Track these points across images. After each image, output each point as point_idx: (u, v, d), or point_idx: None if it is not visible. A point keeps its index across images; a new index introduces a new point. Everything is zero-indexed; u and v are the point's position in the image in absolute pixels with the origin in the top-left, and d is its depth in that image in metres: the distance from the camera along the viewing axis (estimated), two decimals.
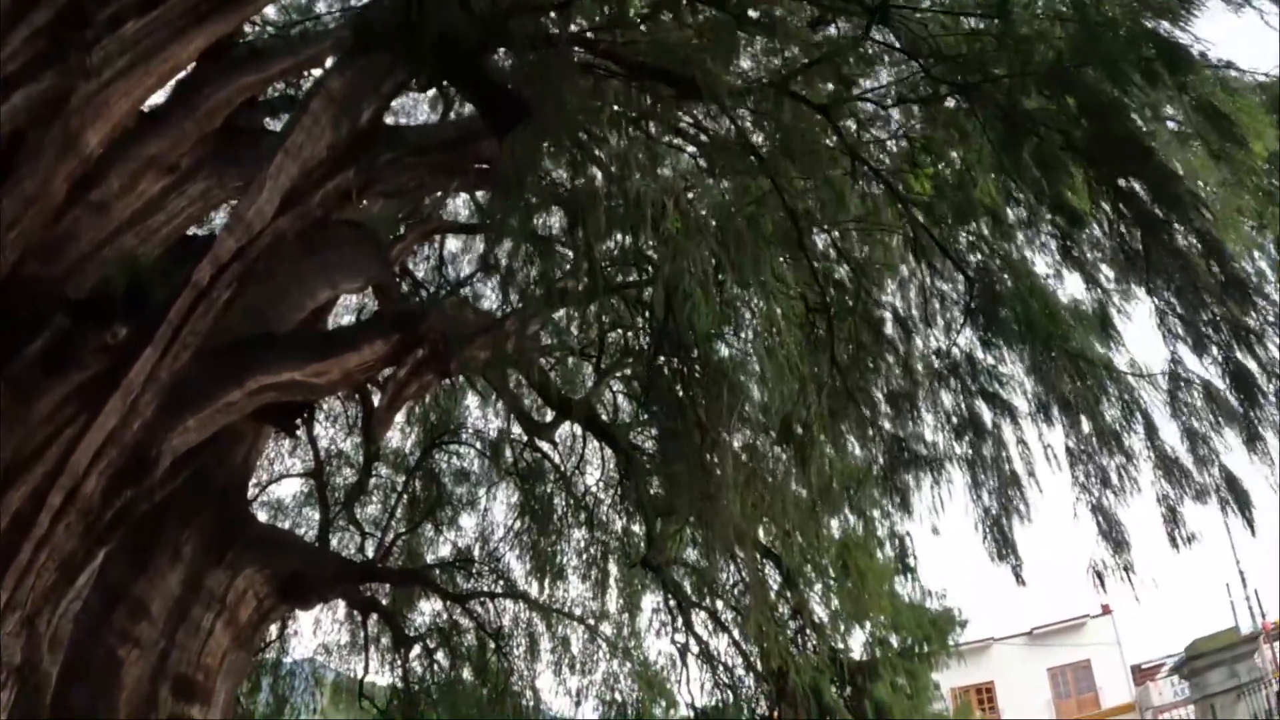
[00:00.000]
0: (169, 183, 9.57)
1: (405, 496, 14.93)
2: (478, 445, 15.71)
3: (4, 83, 7.67)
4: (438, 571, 14.14)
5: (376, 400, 10.49)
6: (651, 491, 11.66)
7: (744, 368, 8.77)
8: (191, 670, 9.66)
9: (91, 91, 8.59)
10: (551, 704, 14.47)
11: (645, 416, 12.34)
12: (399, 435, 16.29)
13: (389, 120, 11.94)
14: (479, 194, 13.94)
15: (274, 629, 15.09)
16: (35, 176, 8.09)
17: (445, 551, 15.23)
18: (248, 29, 13.33)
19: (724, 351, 9.07)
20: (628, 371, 13.04)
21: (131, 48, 8.92)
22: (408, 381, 9.86)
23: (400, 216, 13.18)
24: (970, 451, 11.21)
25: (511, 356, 10.41)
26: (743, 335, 7.88)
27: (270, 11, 14.35)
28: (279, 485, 16.39)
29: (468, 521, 15.25)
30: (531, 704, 13.82)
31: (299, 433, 15.07)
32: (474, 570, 14.43)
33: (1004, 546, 11.07)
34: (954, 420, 11.36)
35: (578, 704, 13.99)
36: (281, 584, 10.54)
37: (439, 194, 12.76)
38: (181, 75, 9.92)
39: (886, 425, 11.34)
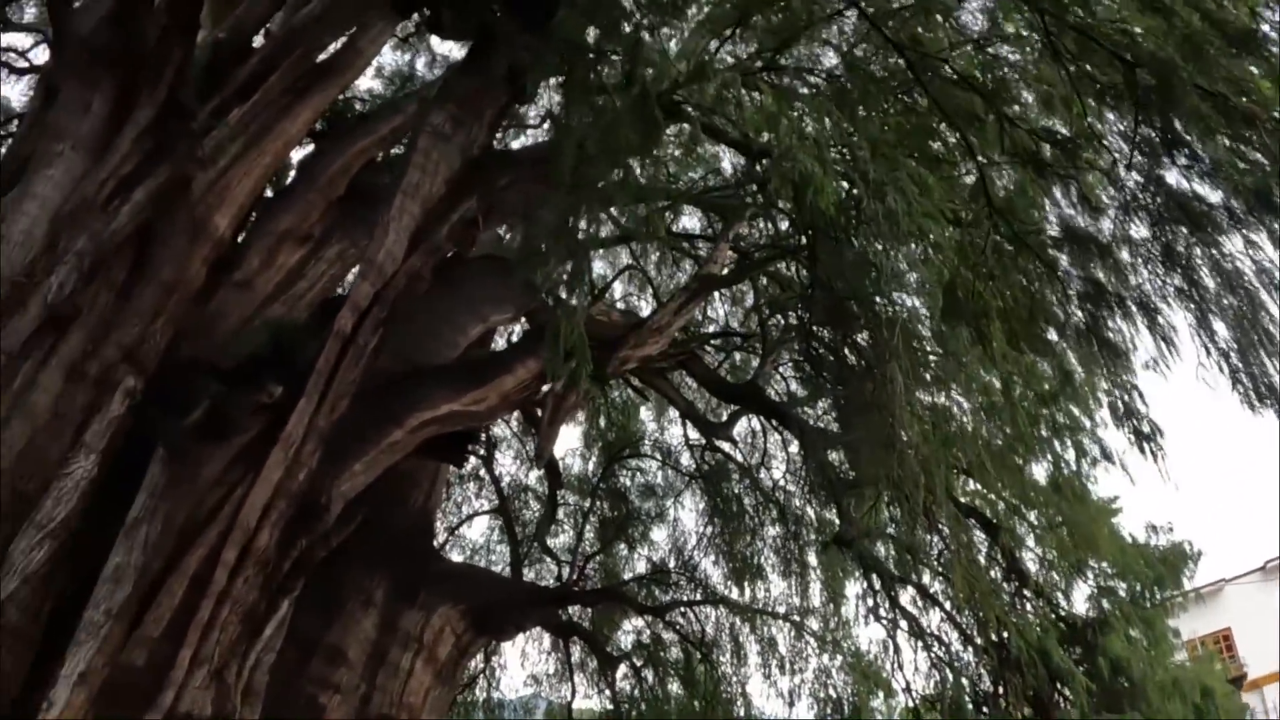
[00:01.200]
0: (305, 252, 9.74)
1: (594, 518, 14.51)
2: (658, 456, 15.21)
3: (123, 182, 7.80)
4: (635, 587, 13.61)
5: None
6: (836, 464, 10.83)
7: (896, 277, 7.37)
8: (394, 710, 9.59)
9: (212, 178, 8.88)
10: (764, 708, 13.68)
11: (809, 373, 11.45)
12: (580, 460, 16.08)
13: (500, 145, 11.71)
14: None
15: (479, 664, 14.92)
16: (170, 264, 8.28)
17: (641, 567, 14.71)
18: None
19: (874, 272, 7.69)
20: (793, 352, 12.24)
21: (241, 132, 9.22)
22: (565, 394, 9.47)
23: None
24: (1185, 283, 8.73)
25: (667, 353, 9.85)
26: (870, 210, 6.65)
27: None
28: (469, 527, 16.29)
29: (659, 534, 14.66)
30: (743, 711, 13.05)
31: (482, 473, 15.05)
32: (671, 581, 13.85)
33: (1260, 386, 8.23)
34: (1155, 248, 8.92)
35: (790, 705, 13.13)
36: (476, 617, 10.37)
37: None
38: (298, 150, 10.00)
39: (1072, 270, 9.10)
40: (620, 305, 14.96)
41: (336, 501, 8.18)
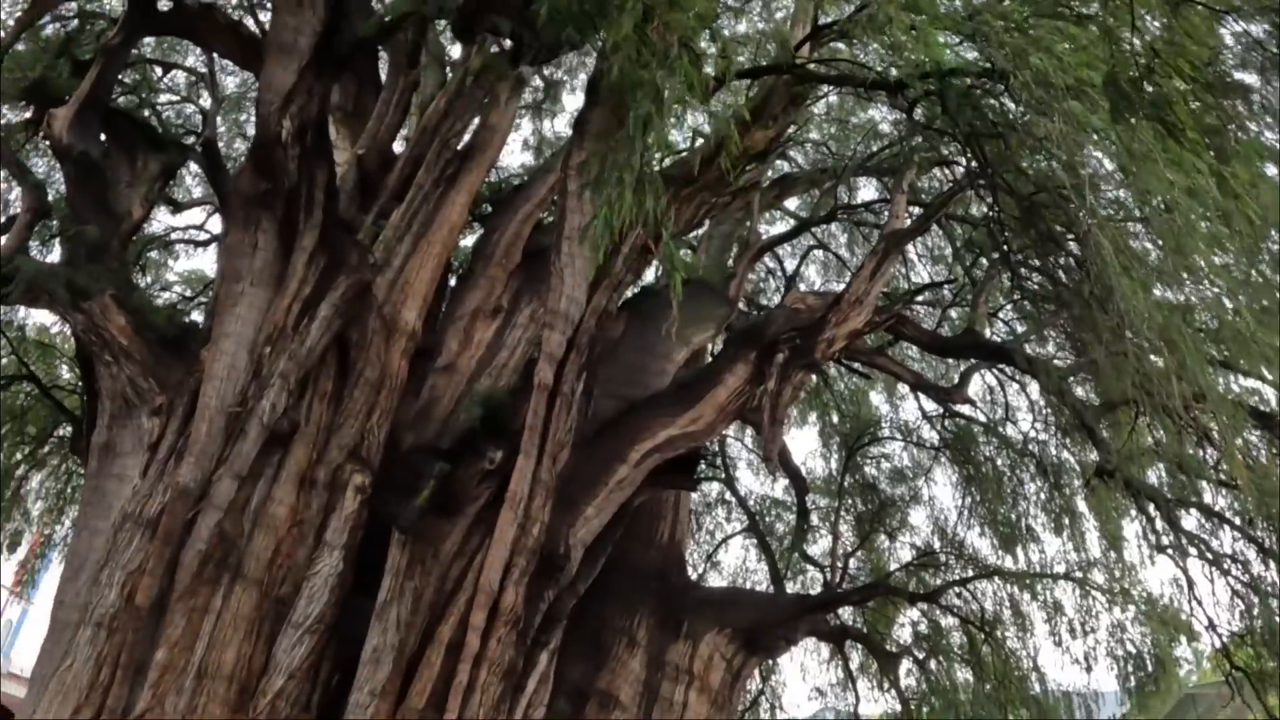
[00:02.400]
0: (498, 324, 9.82)
1: (848, 515, 13.66)
2: (898, 436, 14.23)
3: (306, 302, 8.04)
4: (902, 576, 12.66)
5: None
6: (1079, 392, 9.65)
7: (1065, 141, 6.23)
8: None
9: (391, 279, 9.13)
10: (1059, 680, 12.27)
11: (1025, 304, 10.31)
12: (820, 460, 15.26)
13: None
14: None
15: (757, 685, 14.26)
16: (371, 365, 8.49)
17: (905, 555, 13.70)
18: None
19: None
20: (1003, 288, 11.14)
21: (406, 231, 9.46)
22: (780, 390, 8.99)
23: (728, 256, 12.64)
24: None
25: (874, 322, 9.15)
26: (1019, 81, 5.68)
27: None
28: (725, 550, 15.79)
29: (918, 517, 13.59)
30: (1037, 686, 11.72)
31: (728, 496, 14.58)
32: (939, 564, 12.77)
33: None
34: None
35: (1088, 670, 11.68)
36: (745, 639, 10.03)
37: (724, 209, 11.95)
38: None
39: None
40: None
41: (575, 549, 8.13)
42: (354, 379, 8.23)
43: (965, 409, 12.57)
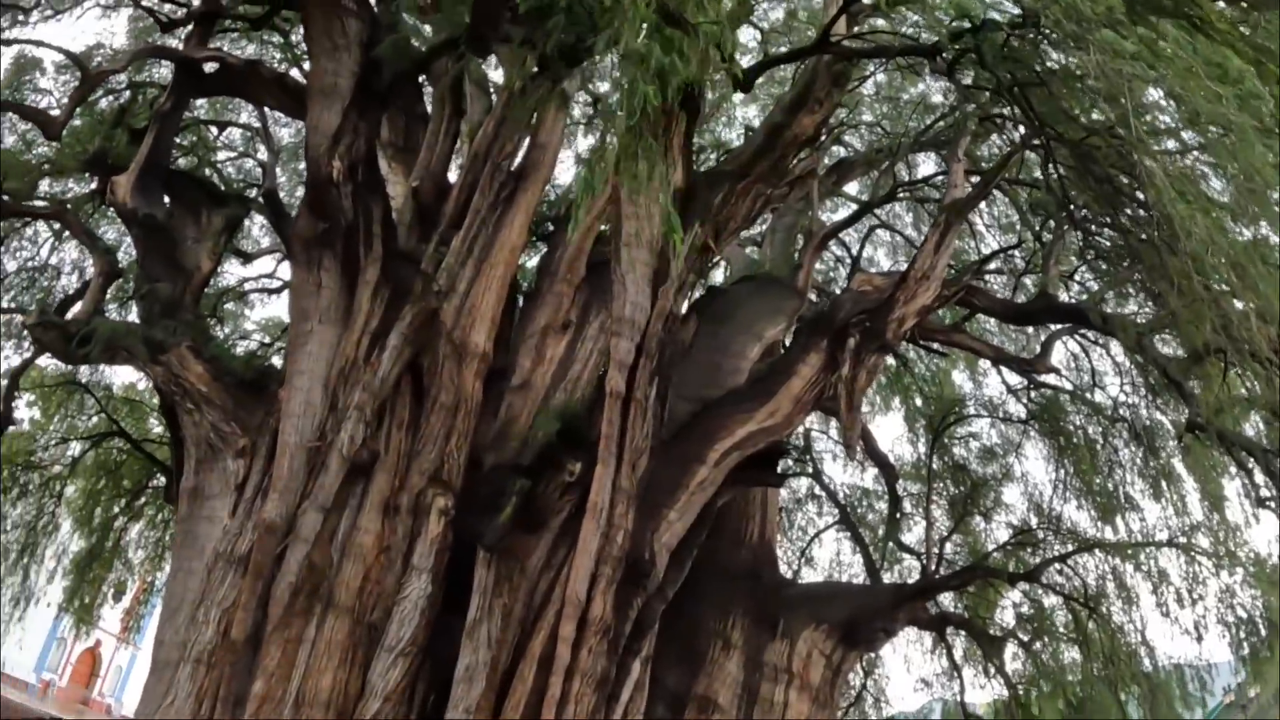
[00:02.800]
0: (569, 339, 9.80)
1: (941, 499, 13.36)
2: (984, 413, 13.87)
3: (375, 335, 8.21)
4: (1000, 557, 12.29)
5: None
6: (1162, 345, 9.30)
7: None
8: None
9: (458, 304, 9.17)
10: (1169, 652, 11.82)
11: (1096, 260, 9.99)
12: (908, 446, 14.99)
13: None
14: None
15: (858, 681, 13.96)
16: (446, 390, 8.58)
17: (1003, 535, 13.27)
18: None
19: None
20: (1072, 247, 10.82)
21: (468, 255, 9.49)
22: (855, 375, 8.90)
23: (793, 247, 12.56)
24: None
25: (943, 295, 9.00)
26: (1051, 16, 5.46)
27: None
28: (820, 545, 15.55)
29: (1011, 495, 13.17)
30: (1147, 661, 11.25)
31: (817, 490, 14.42)
32: (1038, 541, 12.37)
33: None
34: None
35: (1199, 639, 11.19)
36: (843, 633, 9.82)
37: (782, 200, 11.85)
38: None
39: None
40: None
41: (660, 554, 8.09)
42: (429, 405, 8.35)
43: (1050, 379, 12.28)
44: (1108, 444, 12.16)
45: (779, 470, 9.80)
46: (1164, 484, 11.60)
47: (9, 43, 10.67)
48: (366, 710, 7.10)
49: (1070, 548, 11.61)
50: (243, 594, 7.24)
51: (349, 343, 8.13)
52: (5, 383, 12.01)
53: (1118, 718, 10.87)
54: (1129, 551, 11.40)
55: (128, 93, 11.79)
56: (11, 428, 12.78)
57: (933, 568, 10.89)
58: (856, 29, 9.90)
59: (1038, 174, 10.50)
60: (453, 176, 10.99)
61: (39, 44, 10.95)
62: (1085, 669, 11.34)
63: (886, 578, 13.08)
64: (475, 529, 7.81)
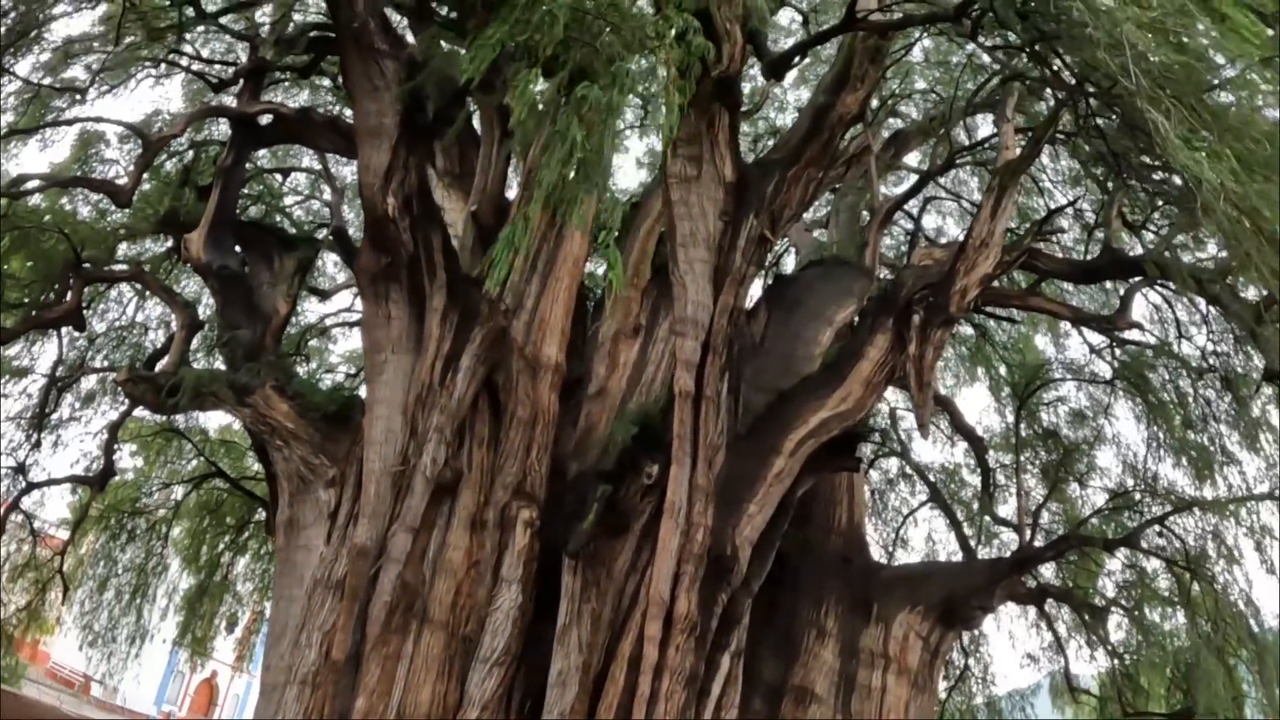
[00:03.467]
0: (640, 342, 10.06)
1: (1034, 467, 13.18)
2: (1068, 376, 13.64)
3: (448, 359, 8.58)
4: (1097, 523, 12.04)
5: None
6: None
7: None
8: None
9: (526, 320, 9.38)
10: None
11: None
12: (996, 417, 14.84)
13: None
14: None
15: (960, 661, 13.85)
16: (522, 404, 8.89)
17: (1100, 500, 12.98)
18: None
19: None
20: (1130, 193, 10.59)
21: (532, 272, 9.67)
22: (922, 352, 8.87)
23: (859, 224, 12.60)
24: None
25: (1005, 261, 8.95)
26: None
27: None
28: (915, 525, 15.48)
29: (1106, 458, 12.85)
30: (1253, 623, 10.87)
31: (908, 470, 14.39)
32: (1135, 503, 12.11)
33: None
34: None
35: None
36: (940, 613, 9.79)
37: (838, 180, 11.90)
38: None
39: None
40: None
41: (742, 548, 8.23)
42: (507, 420, 8.68)
43: (1135, 334, 12.04)
44: (1199, 397, 11.87)
45: (857, 454, 9.78)
46: (1260, 435, 11.29)
47: (70, 122, 11.29)
48: (466, 719, 7.46)
49: (1166, 509, 11.38)
50: (341, 616, 7.71)
51: (423, 368, 8.56)
52: (106, 437, 12.84)
53: (1224, 685, 10.60)
54: (1229, 509, 11.13)
55: (190, 152, 12.43)
56: (115, 478, 13.64)
57: (1028, 539, 10.78)
58: (886, 1, 9.92)
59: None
60: (511, 194, 11.40)
61: (98, 120, 11.71)
62: (1191, 634, 11.11)
63: (984, 553, 13.02)
64: (562, 537, 8.08)
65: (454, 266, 8.99)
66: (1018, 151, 8.95)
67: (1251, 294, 9.25)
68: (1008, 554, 12.10)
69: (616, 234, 12.01)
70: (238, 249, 10.79)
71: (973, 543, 12.80)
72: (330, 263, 15.37)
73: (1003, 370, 14.56)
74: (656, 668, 7.29)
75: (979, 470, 12.98)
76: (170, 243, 11.89)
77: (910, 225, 14.75)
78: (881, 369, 9.02)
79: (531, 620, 7.94)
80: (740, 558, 8.11)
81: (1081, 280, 11.56)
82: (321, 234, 13.27)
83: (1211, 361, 11.47)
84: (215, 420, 15.48)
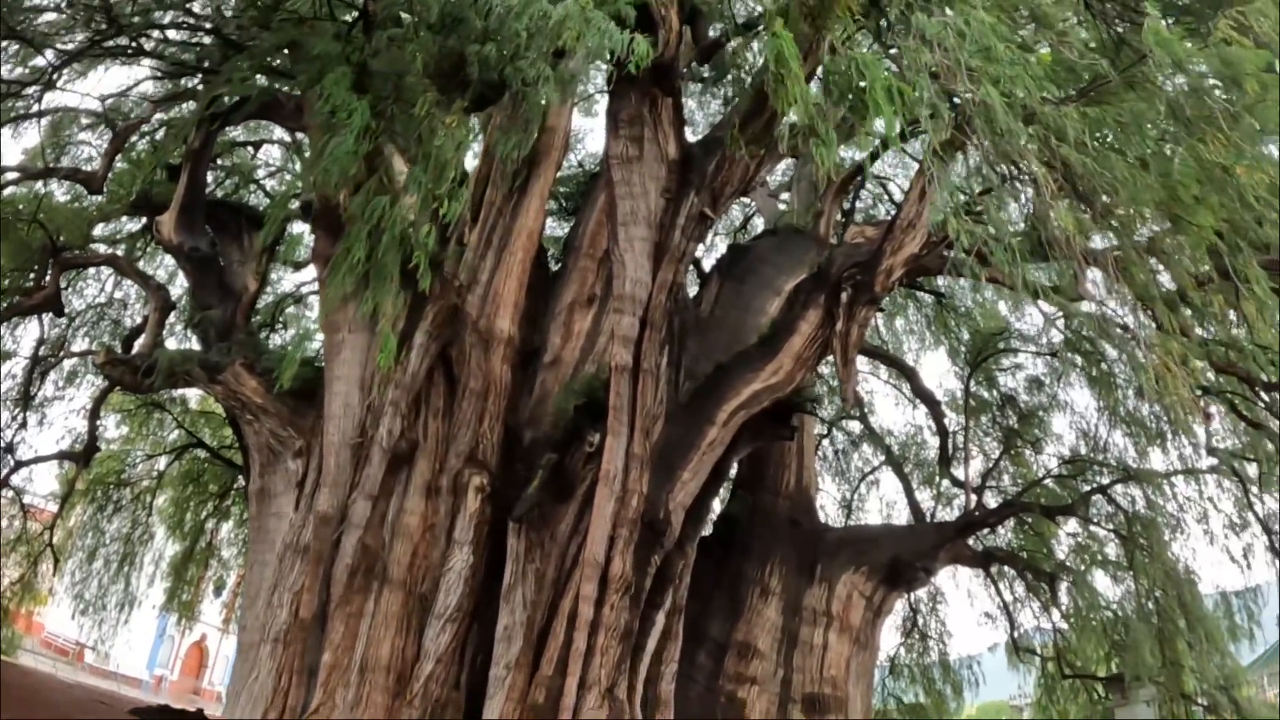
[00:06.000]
0: (595, 311, 10.87)
1: (992, 433, 14.11)
2: (1022, 345, 14.47)
3: (403, 336, 9.41)
4: (1055, 488, 12.91)
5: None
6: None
7: None
8: (817, 687, 10.29)
9: (481, 294, 10.40)
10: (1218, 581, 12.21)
11: None
12: (958, 383, 15.68)
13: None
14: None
15: (922, 621, 14.90)
16: (475, 377, 9.90)
17: (1054, 465, 13.85)
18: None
19: None
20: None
21: (486, 246, 10.72)
22: (848, 329, 9.66)
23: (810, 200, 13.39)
24: None
25: (932, 242, 9.76)
26: None
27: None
28: (877, 488, 16.44)
29: (1061, 425, 13.61)
30: (1202, 587, 11.77)
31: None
32: (1081, 471, 13.00)
33: None
34: None
35: (1247, 566, 11.76)
36: (884, 574, 10.74)
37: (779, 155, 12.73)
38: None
39: None
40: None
41: (675, 513, 9.18)
42: (461, 392, 9.68)
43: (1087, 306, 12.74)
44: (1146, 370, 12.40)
45: (792, 424, 10.53)
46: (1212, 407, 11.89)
47: (43, 114, 12.09)
48: (422, 671, 8.48)
49: (1112, 479, 12.17)
50: (307, 578, 8.74)
51: (377, 346, 9.41)
52: (89, 414, 14.00)
53: (1153, 652, 11.48)
54: (1170, 480, 11.97)
55: (161, 131, 13.29)
56: (100, 451, 14.83)
57: (976, 504, 11.71)
58: None
59: None
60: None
61: (68, 110, 12.50)
62: (1132, 602, 11.95)
63: (943, 515, 14.02)
64: (509, 502, 9.02)
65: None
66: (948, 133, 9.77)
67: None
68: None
69: (574, 204, 12.97)
70: (208, 229, 11.77)
71: (933, 505, 13.79)
72: (307, 231, 16.29)
73: (965, 336, 15.47)
74: (592, 624, 8.28)
75: (939, 433, 13.92)
76: (145, 222, 12.82)
77: (879, 190, 15.59)
78: (812, 344, 9.73)
79: (483, 580, 8.92)
80: (673, 522, 9.06)
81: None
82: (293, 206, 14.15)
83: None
84: (196, 392, 16.63)
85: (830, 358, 10.04)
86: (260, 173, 15.38)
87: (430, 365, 9.57)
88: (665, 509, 9.06)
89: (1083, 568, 12.75)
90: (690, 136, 11.44)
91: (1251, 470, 11.91)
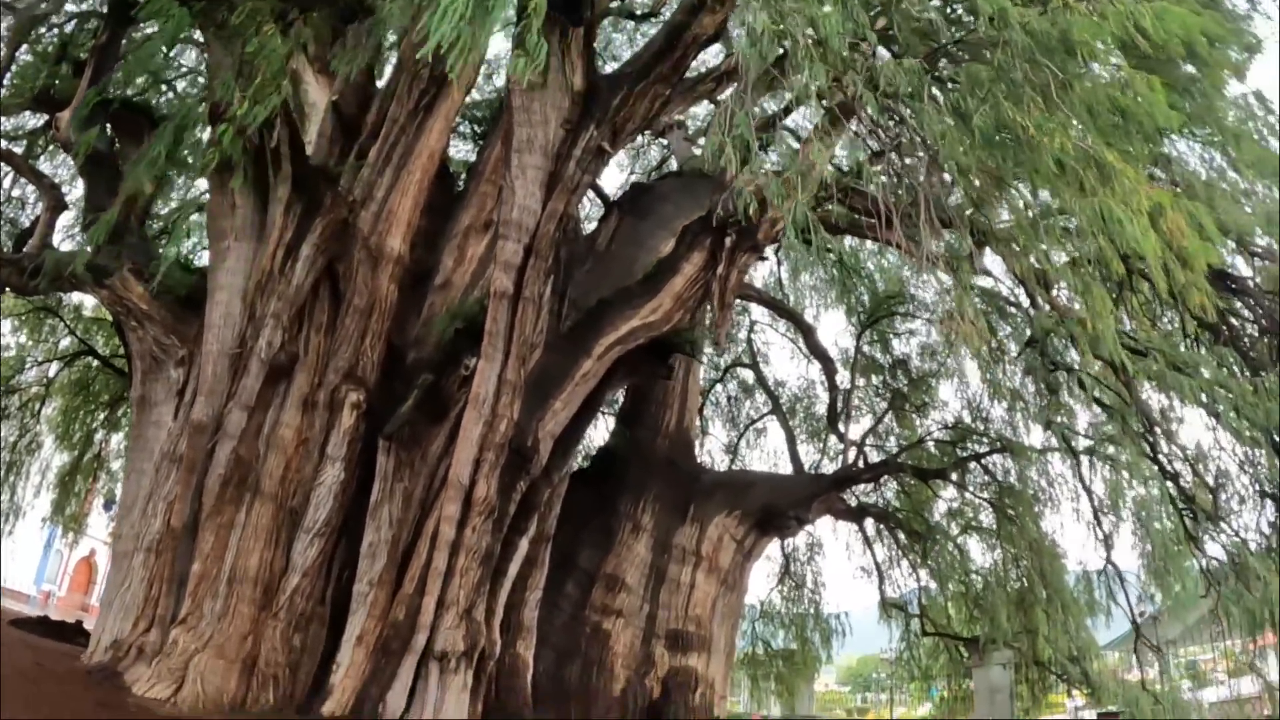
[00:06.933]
0: (490, 237, 11.00)
1: (883, 394, 14.57)
2: (915, 311, 14.84)
3: (288, 247, 9.60)
4: (933, 451, 13.41)
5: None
6: None
7: None
8: (681, 624, 10.64)
9: (375, 211, 10.57)
10: (1082, 559, 12.80)
11: None
12: (849, 336, 16.12)
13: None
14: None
15: (802, 571, 15.40)
16: (360, 293, 10.04)
17: (942, 434, 14.25)
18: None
19: None
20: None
21: (386, 163, 10.84)
22: (728, 273, 9.94)
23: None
24: None
25: (820, 196, 10.03)
26: None
27: None
28: (766, 436, 16.84)
29: (948, 393, 13.98)
30: (1069, 564, 12.34)
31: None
32: (961, 439, 13.45)
33: None
34: None
35: (1107, 544, 12.07)
36: (756, 520, 11.08)
37: (692, 100, 12.96)
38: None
39: None
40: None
41: (544, 440, 9.49)
42: (345, 308, 9.82)
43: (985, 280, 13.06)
44: (1051, 345, 12.79)
45: (670, 363, 10.92)
46: (1080, 390, 12.26)
47: None
48: (288, 584, 8.71)
49: (990, 447, 12.64)
50: (180, 487, 8.89)
51: (264, 256, 9.58)
52: None
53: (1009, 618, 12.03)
54: (1044, 455, 12.42)
55: (71, 24, 13.07)
56: None
57: (856, 460, 12.15)
58: None
59: None
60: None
61: None
62: (998, 569, 12.50)
63: (828, 469, 14.49)
64: (382, 420, 9.22)
65: (301, 159, 9.94)
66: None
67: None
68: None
69: (487, 129, 13.01)
70: (109, 129, 11.67)
71: (818, 459, 14.25)
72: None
73: (866, 299, 15.81)
74: (453, 545, 8.57)
75: (829, 388, 14.35)
76: (46, 120, 12.65)
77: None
78: (693, 285, 10.08)
79: (354, 496, 9.15)
80: (541, 449, 9.37)
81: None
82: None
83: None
84: (92, 298, 16.50)
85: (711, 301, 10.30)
86: (171, 74, 15.17)
87: (316, 279, 9.70)
88: (534, 436, 9.37)
89: (956, 533, 13.25)
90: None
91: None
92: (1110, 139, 6.77)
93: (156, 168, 9.71)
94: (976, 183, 7.38)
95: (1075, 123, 6.70)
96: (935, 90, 7.13)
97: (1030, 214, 8.24)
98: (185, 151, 9.95)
